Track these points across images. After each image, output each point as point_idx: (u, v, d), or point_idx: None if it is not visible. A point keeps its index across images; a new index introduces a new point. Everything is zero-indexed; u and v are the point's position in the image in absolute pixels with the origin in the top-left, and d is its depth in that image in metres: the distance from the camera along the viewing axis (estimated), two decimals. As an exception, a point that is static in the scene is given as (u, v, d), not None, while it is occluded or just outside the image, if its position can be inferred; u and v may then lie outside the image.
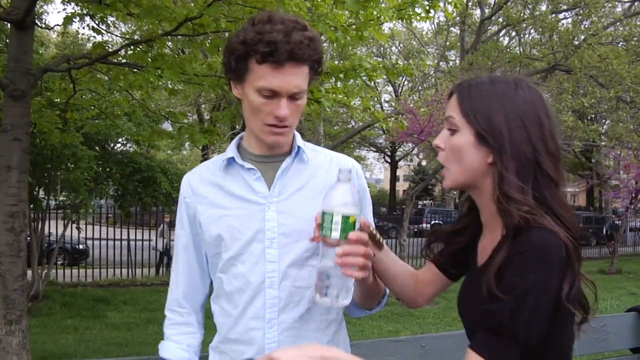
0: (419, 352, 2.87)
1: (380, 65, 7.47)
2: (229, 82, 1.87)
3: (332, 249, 1.59)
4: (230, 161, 1.89)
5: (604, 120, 27.51)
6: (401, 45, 37.70)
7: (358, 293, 1.90)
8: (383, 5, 6.27)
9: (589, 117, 25.92)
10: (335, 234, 1.57)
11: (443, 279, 1.88)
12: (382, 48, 35.81)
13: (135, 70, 7.23)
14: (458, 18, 26.12)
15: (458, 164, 1.56)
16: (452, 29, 29.95)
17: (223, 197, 1.88)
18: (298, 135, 1.96)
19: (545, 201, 1.47)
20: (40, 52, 13.49)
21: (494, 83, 1.55)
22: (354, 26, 6.21)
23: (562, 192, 1.51)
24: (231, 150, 1.90)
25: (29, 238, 11.55)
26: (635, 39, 20.86)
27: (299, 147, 1.93)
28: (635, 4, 23.77)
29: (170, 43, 14.64)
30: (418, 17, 6.34)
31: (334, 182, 1.61)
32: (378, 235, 1.86)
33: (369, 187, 2.18)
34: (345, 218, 1.56)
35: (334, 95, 7.41)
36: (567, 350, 1.55)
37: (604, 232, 26.80)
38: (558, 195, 1.49)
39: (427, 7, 6.19)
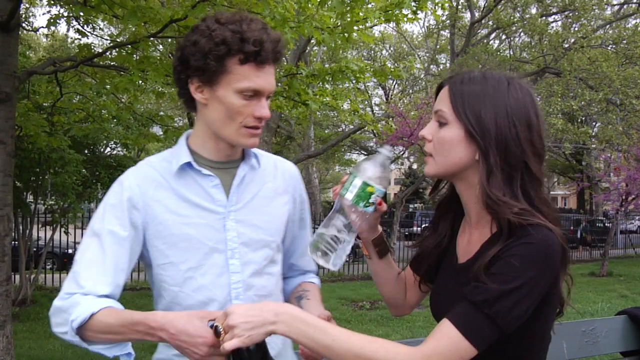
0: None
1: (368, 68, 7.46)
2: (184, 86, 1.75)
3: (343, 216, 1.61)
4: (185, 166, 1.78)
5: (594, 123, 27.60)
6: (392, 48, 37.75)
7: None
8: (369, 6, 6.26)
9: (579, 120, 26.01)
10: (349, 195, 1.59)
11: (424, 287, 1.87)
12: (372, 51, 35.85)
13: (121, 72, 7.19)
14: (448, 21, 26.17)
15: (444, 156, 1.55)
16: (442, 32, 30.01)
17: (177, 203, 1.77)
18: None
19: (531, 200, 1.48)
20: (29, 55, 13.44)
21: (486, 80, 1.54)
22: (340, 27, 6.19)
23: (544, 191, 1.53)
24: (186, 155, 1.79)
25: (16, 242, 11.49)
26: (625, 41, 20.94)
27: (253, 153, 1.88)
28: (625, 6, 23.90)
29: (161, 46, 14.64)
30: (405, 19, 6.33)
31: (375, 154, 1.63)
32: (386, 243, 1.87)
33: None
34: (365, 185, 1.59)
35: (321, 98, 7.40)
36: (546, 343, 1.57)
37: (579, 234, 26.41)
38: (541, 194, 1.50)
39: (414, 8, 6.18)
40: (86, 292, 1.66)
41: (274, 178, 1.92)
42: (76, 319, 1.59)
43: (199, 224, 1.77)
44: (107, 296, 1.68)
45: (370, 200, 1.60)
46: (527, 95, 1.53)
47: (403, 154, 38.74)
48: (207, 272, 1.76)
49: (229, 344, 1.36)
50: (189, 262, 1.75)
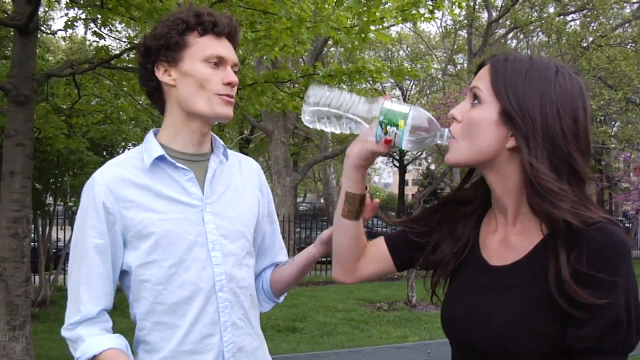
0: (423, 359, 2.84)
1: (385, 68, 7.44)
2: (149, 81, 1.83)
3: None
4: (157, 161, 1.79)
5: (613, 123, 27.38)
6: (409, 48, 37.67)
7: (296, 271, 2.00)
8: (386, 6, 6.25)
9: (598, 119, 25.80)
10: (382, 117, 1.46)
11: (387, 262, 1.70)
12: (389, 52, 35.80)
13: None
14: (465, 21, 26.08)
15: (471, 140, 1.38)
16: (459, 32, 29.90)
17: (153, 200, 1.77)
18: (215, 135, 1.95)
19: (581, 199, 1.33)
20: (47, 58, 13.54)
21: (534, 63, 1.36)
22: (357, 27, 6.18)
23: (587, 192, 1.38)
24: (157, 148, 1.79)
25: (36, 244, 11.58)
26: (645, 40, 20.77)
27: (222, 146, 1.92)
28: (644, 5, 23.68)
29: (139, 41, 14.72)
30: (422, 18, 6.30)
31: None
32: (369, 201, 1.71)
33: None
34: (402, 116, 1.44)
35: (338, 98, 7.38)
36: None
37: None
38: (586, 194, 1.37)
39: (431, 8, 6.15)
40: (85, 317, 1.75)
41: (240, 172, 1.96)
42: (81, 357, 1.72)
43: (178, 219, 1.77)
44: (103, 310, 1.78)
45: (390, 131, 1.45)
46: (576, 86, 1.36)
47: (421, 154, 38.71)
48: (190, 267, 1.77)
49: None
50: (171, 259, 1.75)
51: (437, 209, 1.65)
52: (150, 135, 1.88)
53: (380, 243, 1.72)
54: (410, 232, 1.66)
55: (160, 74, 1.79)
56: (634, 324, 1.25)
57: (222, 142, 1.92)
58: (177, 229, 1.76)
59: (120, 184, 1.76)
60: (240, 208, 1.90)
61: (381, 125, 1.45)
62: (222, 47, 1.79)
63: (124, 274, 1.83)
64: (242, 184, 1.94)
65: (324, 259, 15.09)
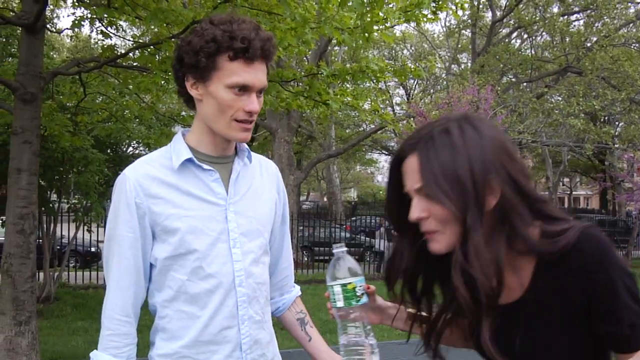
0: (425, 355, 2.84)
1: (389, 67, 7.47)
2: (182, 84, 1.86)
3: (352, 324, 1.66)
4: (186, 162, 1.87)
5: (616, 123, 27.34)
6: (413, 48, 37.63)
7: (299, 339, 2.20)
8: (389, 6, 6.29)
9: (601, 119, 25.78)
10: (340, 303, 1.64)
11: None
12: (393, 51, 35.77)
13: (144, 73, 7.27)
14: (469, 21, 26.07)
15: (452, 228, 1.42)
16: (463, 31, 29.88)
17: (181, 197, 1.85)
18: None
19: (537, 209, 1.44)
20: (53, 56, 13.58)
21: (451, 136, 1.41)
22: (361, 28, 6.22)
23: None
24: (186, 151, 1.87)
25: (40, 240, 11.62)
26: (648, 40, 20.75)
27: (246, 149, 1.99)
28: (648, 5, 23.64)
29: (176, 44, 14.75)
30: (425, 19, 6.34)
31: (332, 259, 1.69)
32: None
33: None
34: (344, 286, 1.65)
35: (342, 98, 7.42)
36: None
37: None
38: (544, 207, 1.45)
39: (434, 9, 6.19)
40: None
41: (261, 175, 2.04)
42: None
43: (203, 216, 1.86)
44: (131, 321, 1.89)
45: (358, 294, 1.65)
46: (493, 128, 1.45)
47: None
48: (213, 261, 1.86)
49: None
50: (196, 253, 1.84)
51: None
52: (179, 136, 1.95)
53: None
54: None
55: (189, 85, 1.84)
56: None
57: (246, 145, 2.00)
58: (202, 225, 1.85)
59: (149, 180, 1.85)
60: (260, 208, 1.99)
61: (353, 302, 1.66)
62: (251, 75, 1.78)
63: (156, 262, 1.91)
64: (262, 186, 2.02)
65: (328, 257, 14.99)
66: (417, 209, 1.44)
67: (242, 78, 1.77)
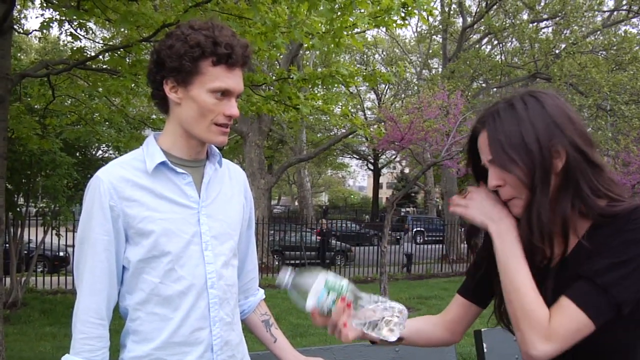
0: (392, 357, 2.87)
1: (359, 72, 7.52)
2: (159, 87, 1.87)
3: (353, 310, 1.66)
4: (159, 165, 1.89)
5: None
6: (384, 53, 37.83)
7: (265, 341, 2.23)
8: (359, 12, 6.32)
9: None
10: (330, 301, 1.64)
11: (475, 309, 1.89)
12: (365, 56, 35.92)
13: (113, 76, 7.22)
14: (440, 26, 26.26)
15: (522, 196, 1.57)
16: (434, 37, 30.10)
17: (154, 200, 1.87)
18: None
19: (601, 188, 1.54)
20: (20, 57, 13.42)
21: (517, 109, 1.56)
22: (331, 33, 6.24)
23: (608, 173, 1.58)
24: (160, 154, 1.89)
25: (7, 245, 11.47)
26: (614, 48, 21.09)
27: (218, 154, 2.03)
28: (615, 13, 24.04)
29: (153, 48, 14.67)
30: (394, 25, 6.38)
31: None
32: None
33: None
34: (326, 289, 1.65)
35: (312, 102, 7.45)
36: None
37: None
38: (607, 178, 1.56)
39: (403, 15, 6.23)
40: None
41: (230, 179, 2.08)
42: None
43: (176, 219, 1.88)
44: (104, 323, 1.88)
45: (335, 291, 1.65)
46: (555, 98, 1.58)
47: (395, 158, 38.86)
48: (185, 264, 1.88)
49: (455, 209, 1.70)
50: (170, 255, 1.86)
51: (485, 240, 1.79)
52: (151, 139, 1.97)
53: (459, 300, 1.90)
54: (476, 271, 1.83)
55: (167, 89, 1.85)
56: (619, 272, 1.45)
57: (217, 150, 2.04)
58: (175, 227, 1.87)
59: (123, 183, 1.86)
60: (230, 212, 2.03)
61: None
62: (232, 80, 1.83)
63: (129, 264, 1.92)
64: (231, 190, 2.06)
65: (304, 262, 15.03)
66: (494, 179, 1.59)
67: (224, 83, 1.80)
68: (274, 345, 2.20)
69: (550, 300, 1.52)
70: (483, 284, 1.81)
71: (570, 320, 1.44)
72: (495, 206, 1.62)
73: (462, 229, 20.25)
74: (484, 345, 2.79)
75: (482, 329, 2.88)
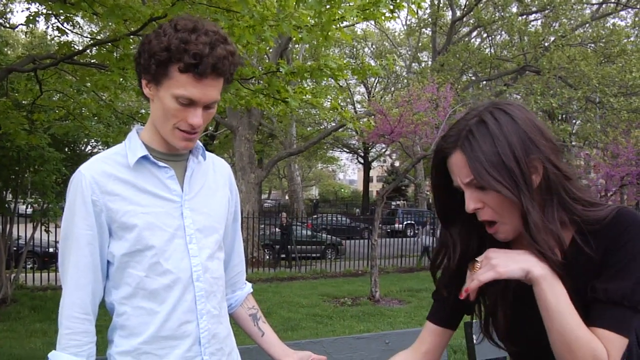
0: (382, 349, 2.86)
1: (347, 65, 7.50)
2: (139, 79, 1.87)
3: None
4: (141, 159, 1.88)
5: (574, 121, 27.83)
6: (374, 46, 37.84)
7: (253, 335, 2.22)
8: (347, 5, 6.30)
9: (559, 117, 26.21)
10: None
11: (450, 334, 1.87)
12: (354, 49, 35.92)
13: (101, 70, 7.18)
14: (430, 19, 26.29)
15: (511, 215, 1.54)
16: (424, 30, 30.12)
17: (137, 194, 1.86)
18: None
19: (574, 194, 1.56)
20: (7, 52, 13.32)
21: (490, 127, 1.51)
22: (319, 26, 6.22)
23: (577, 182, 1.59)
24: (141, 148, 1.88)
25: (-4, 241, 11.41)
26: (603, 40, 21.17)
27: (201, 147, 2.01)
28: (603, 6, 24.12)
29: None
30: (383, 17, 6.37)
31: None
32: None
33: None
34: None
35: (301, 95, 7.43)
36: None
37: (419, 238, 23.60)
38: (576, 185, 1.57)
39: (392, 7, 6.22)
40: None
41: (214, 172, 2.07)
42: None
43: (159, 213, 1.87)
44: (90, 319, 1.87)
45: None
46: (523, 110, 1.56)
47: (385, 151, 38.90)
48: (170, 257, 1.87)
49: (484, 276, 1.50)
50: (154, 249, 1.85)
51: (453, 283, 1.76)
52: (133, 133, 1.96)
53: (431, 328, 1.87)
54: (447, 297, 1.81)
55: (144, 84, 1.85)
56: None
57: (200, 143, 2.01)
58: (158, 221, 1.87)
59: (105, 178, 1.85)
60: (214, 205, 2.02)
61: None
62: (198, 89, 1.76)
63: (114, 259, 1.91)
64: (215, 183, 2.05)
65: (294, 255, 15.00)
66: (472, 201, 1.54)
67: (188, 92, 1.75)
68: (262, 339, 2.20)
69: None
70: (457, 308, 1.81)
71: (618, 349, 1.47)
72: (523, 253, 1.53)
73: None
74: (474, 336, 2.79)
75: (473, 320, 2.88)
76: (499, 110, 1.53)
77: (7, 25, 12.61)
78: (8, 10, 18.35)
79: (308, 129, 34.81)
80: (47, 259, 16.71)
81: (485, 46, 27.75)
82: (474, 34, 28.06)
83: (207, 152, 2.06)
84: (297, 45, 25.13)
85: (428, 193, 42.67)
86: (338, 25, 6.35)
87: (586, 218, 1.53)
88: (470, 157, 1.50)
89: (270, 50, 18.30)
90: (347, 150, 45.24)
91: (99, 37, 8.94)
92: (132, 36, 6.33)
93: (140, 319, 1.86)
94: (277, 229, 20.42)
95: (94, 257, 1.85)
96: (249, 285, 2.31)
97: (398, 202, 50.57)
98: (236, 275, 2.25)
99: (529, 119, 1.53)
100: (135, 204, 1.85)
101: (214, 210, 2.00)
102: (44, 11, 6.89)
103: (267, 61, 15.80)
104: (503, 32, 25.41)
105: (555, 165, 1.52)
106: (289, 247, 19.70)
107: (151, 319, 1.86)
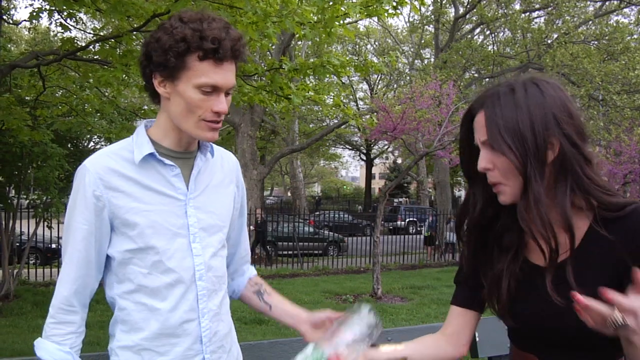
0: (384, 344, 2.86)
1: (350, 62, 7.50)
2: (149, 81, 1.83)
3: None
4: (147, 156, 1.86)
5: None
6: (377, 43, 37.80)
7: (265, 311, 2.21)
8: (351, 1, 6.30)
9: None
10: None
11: (476, 316, 1.88)
12: (357, 46, 35.89)
13: (104, 66, 7.18)
14: (432, 16, 26.25)
15: (515, 179, 1.56)
16: (426, 27, 30.08)
17: (141, 192, 1.85)
18: None
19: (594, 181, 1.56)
20: (11, 48, 13.34)
21: (517, 93, 1.56)
22: (322, 22, 6.23)
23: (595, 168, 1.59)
24: (148, 145, 1.86)
25: (-1, 237, 11.43)
26: (606, 38, 21.13)
27: (209, 144, 1.98)
28: (606, 3, 24.07)
29: (144, 40, 14.64)
30: (386, 14, 6.36)
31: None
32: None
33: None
34: None
35: (303, 92, 7.44)
36: None
37: (423, 234, 23.90)
38: (597, 174, 1.57)
39: (395, 4, 6.22)
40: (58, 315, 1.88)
41: (221, 167, 2.05)
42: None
43: (162, 211, 1.86)
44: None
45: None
46: (558, 89, 1.57)
47: (387, 148, 38.89)
48: (173, 256, 1.87)
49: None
50: (156, 247, 1.85)
51: (471, 246, 1.79)
52: (141, 128, 1.93)
53: (456, 311, 1.89)
54: (469, 279, 1.84)
55: (156, 83, 1.80)
56: None
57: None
58: (161, 219, 1.86)
59: (110, 174, 1.83)
60: (219, 203, 2.00)
61: None
62: (220, 75, 1.76)
63: (108, 258, 1.91)
64: (222, 180, 2.03)
65: (291, 252, 14.99)
66: (484, 160, 1.60)
67: (211, 79, 1.74)
68: (271, 313, 2.18)
69: (562, 291, 1.54)
70: (479, 290, 1.81)
71: None
72: None
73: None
74: (476, 334, 2.79)
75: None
76: (532, 83, 1.58)
77: (11, 22, 12.59)
78: (11, 6, 18.37)
79: (310, 125, 34.81)
80: (50, 255, 16.76)
81: (488, 43, 27.69)
82: (477, 31, 28.00)
83: (215, 147, 2.04)
84: (299, 42, 25.13)
85: (430, 190, 42.65)
86: (341, 22, 6.35)
87: (604, 201, 1.53)
88: (489, 118, 1.57)
89: (273, 47, 18.28)
90: (350, 147, 45.22)
91: (102, 34, 8.93)
92: (135, 32, 6.33)
93: (141, 315, 1.87)
94: (250, 226, 20.35)
95: (88, 253, 1.85)
96: (252, 268, 2.30)
97: (400, 199, 50.55)
98: (241, 266, 2.25)
99: (559, 98, 1.55)
100: (139, 201, 1.84)
101: (219, 208, 1.99)
102: (47, 7, 6.89)
103: (269, 58, 15.79)
104: (506, 30, 25.35)
105: (576, 145, 1.53)
106: (267, 244, 19.75)
107: (152, 316, 1.86)
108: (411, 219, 30.65)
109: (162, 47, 1.73)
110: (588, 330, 1.47)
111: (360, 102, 38.53)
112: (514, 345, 1.81)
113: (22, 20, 9.86)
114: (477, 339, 2.82)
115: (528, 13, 23.49)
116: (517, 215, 1.58)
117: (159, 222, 1.85)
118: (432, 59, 28.76)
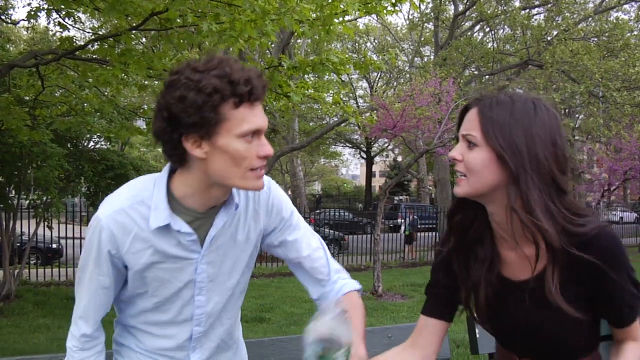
0: (384, 343, 2.86)
1: (349, 60, 7.49)
2: (175, 145, 1.66)
3: None
4: (164, 227, 1.76)
5: (577, 115, 27.77)
6: (376, 40, 37.78)
7: None
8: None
9: (561, 112, 26.16)
10: None
11: (445, 326, 1.92)
12: (357, 43, 35.87)
13: (103, 65, 7.17)
14: (432, 14, 26.21)
15: (477, 177, 1.62)
16: (426, 24, 30.05)
17: (154, 255, 1.78)
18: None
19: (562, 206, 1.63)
20: (9, 48, 13.32)
21: (515, 104, 1.62)
22: (321, 20, 6.21)
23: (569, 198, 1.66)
24: (165, 212, 1.75)
25: (-1, 237, 11.43)
26: (606, 34, 21.11)
27: (235, 198, 1.85)
28: (606, 0, 24.06)
29: (143, 39, 14.62)
30: (385, 11, 6.35)
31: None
32: None
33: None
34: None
35: (303, 90, 7.42)
36: None
37: (402, 231, 23.60)
38: (565, 201, 1.63)
39: (393, 1, 6.21)
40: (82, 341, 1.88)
41: (245, 215, 1.91)
42: None
43: (173, 268, 1.82)
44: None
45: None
46: (552, 116, 1.62)
47: (387, 146, 38.87)
48: (174, 304, 1.89)
49: None
50: (158, 297, 1.87)
51: (449, 251, 1.84)
52: (163, 179, 1.79)
53: (426, 322, 1.93)
54: (441, 290, 1.91)
55: (189, 145, 1.64)
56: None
57: (237, 193, 1.87)
58: (170, 276, 1.83)
59: (124, 236, 1.76)
60: (235, 256, 1.92)
61: None
62: (258, 116, 1.64)
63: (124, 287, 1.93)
64: (244, 233, 1.91)
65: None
66: (457, 151, 1.66)
67: (253, 123, 1.62)
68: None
69: (528, 310, 1.69)
70: (452, 300, 1.88)
71: None
72: None
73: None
74: (477, 331, 2.79)
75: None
76: (530, 100, 1.64)
77: (9, 21, 12.58)
78: (9, 6, 18.36)
79: (310, 124, 34.82)
80: (51, 255, 16.75)
81: (487, 40, 27.66)
82: (477, 28, 27.97)
83: (244, 192, 1.91)
84: (299, 40, 25.10)
85: (431, 188, 42.66)
86: (340, 20, 6.35)
87: (568, 228, 1.60)
88: (485, 115, 1.62)
89: (272, 45, 18.23)
90: (350, 145, 45.23)
91: (100, 32, 8.93)
92: (133, 31, 6.32)
93: (147, 328, 1.95)
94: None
95: (108, 297, 1.87)
96: (343, 283, 2.09)
97: (401, 197, 50.56)
98: (316, 268, 2.07)
99: (549, 125, 1.61)
100: (150, 260, 1.79)
101: (234, 260, 1.90)
102: (45, 6, 6.88)
103: (269, 56, 15.78)
104: (506, 26, 25.31)
105: (551, 173, 1.59)
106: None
107: (150, 336, 1.95)
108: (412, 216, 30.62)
109: (192, 105, 1.57)
110: (565, 342, 1.66)
111: (360, 100, 38.51)
112: (497, 342, 1.89)
113: (20, 20, 9.85)
114: (478, 336, 2.81)
115: (528, 10, 23.47)
116: (495, 219, 1.69)
117: (166, 278, 1.83)
118: (432, 57, 28.74)
